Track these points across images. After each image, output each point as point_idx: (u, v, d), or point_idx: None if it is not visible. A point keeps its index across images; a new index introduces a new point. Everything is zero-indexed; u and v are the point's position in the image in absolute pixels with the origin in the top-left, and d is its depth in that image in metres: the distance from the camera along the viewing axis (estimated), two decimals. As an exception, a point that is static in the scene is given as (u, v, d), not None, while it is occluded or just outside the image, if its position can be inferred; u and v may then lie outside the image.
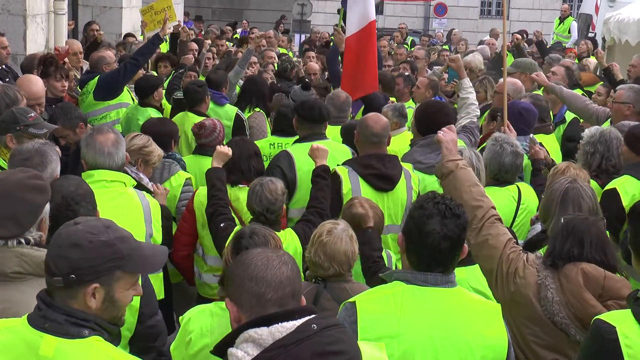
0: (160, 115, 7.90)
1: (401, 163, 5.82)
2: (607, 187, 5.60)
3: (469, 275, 4.19)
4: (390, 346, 2.63)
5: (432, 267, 3.27)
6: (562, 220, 3.97)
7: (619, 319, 3.28)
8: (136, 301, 3.80)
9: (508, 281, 3.80)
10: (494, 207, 3.97)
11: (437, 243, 3.22)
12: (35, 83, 6.69)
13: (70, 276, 2.66)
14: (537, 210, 5.78)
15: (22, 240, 3.27)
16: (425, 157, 6.02)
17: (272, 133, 7.49)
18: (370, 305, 3.26)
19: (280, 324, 2.45)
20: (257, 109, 8.52)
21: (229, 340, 2.52)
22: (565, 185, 4.47)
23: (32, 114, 5.39)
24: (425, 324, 3.22)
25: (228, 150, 5.62)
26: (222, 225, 5.15)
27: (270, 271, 2.54)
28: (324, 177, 5.52)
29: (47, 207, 3.43)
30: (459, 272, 4.05)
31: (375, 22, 8.38)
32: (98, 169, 4.83)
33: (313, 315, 2.51)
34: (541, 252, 4.05)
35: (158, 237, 4.91)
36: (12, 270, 3.23)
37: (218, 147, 5.70)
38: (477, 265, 4.09)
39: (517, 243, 4.05)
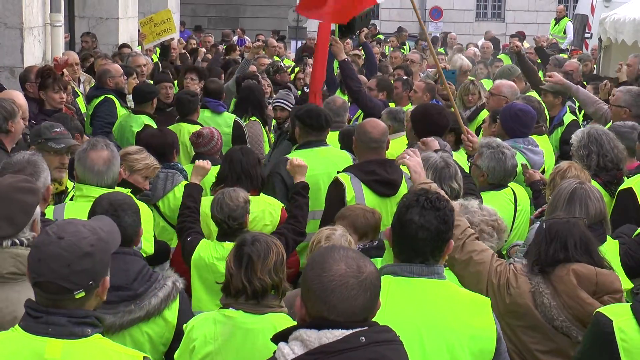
0: (153, 123, 7.91)
1: (401, 167, 5.83)
2: (622, 186, 5.60)
3: None
4: None
5: (412, 257, 3.31)
6: (543, 225, 3.99)
7: (617, 313, 3.36)
8: (174, 318, 3.90)
9: (501, 293, 3.79)
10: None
11: (414, 233, 3.26)
12: (17, 97, 6.66)
13: (90, 283, 2.74)
14: (533, 210, 5.83)
15: (17, 241, 3.35)
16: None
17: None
18: None
19: (330, 330, 2.46)
20: (253, 118, 8.49)
21: (285, 334, 2.56)
22: (573, 185, 4.51)
23: (58, 129, 5.51)
24: (411, 314, 3.24)
25: (207, 164, 5.67)
26: (188, 239, 5.17)
27: (345, 302, 2.50)
28: (304, 195, 5.57)
29: (39, 209, 3.53)
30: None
31: (327, 26, 8.32)
32: (87, 184, 4.88)
33: (366, 327, 2.49)
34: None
35: (148, 247, 4.93)
36: (7, 271, 3.31)
37: (197, 161, 5.76)
38: None
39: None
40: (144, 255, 4.78)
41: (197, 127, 7.39)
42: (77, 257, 2.71)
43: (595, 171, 5.77)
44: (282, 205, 5.76)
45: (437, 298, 3.31)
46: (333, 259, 2.57)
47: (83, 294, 2.72)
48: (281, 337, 2.58)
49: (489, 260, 3.85)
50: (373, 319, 2.62)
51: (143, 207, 5.00)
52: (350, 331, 2.47)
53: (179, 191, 6.00)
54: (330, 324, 2.49)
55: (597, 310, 3.42)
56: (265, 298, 3.76)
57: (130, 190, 5.05)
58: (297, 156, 6.24)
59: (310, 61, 12.79)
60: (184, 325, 3.85)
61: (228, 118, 8.32)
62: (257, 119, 8.54)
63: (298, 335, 2.51)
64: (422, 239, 3.27)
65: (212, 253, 4.99)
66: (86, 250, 2.72)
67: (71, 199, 5.23)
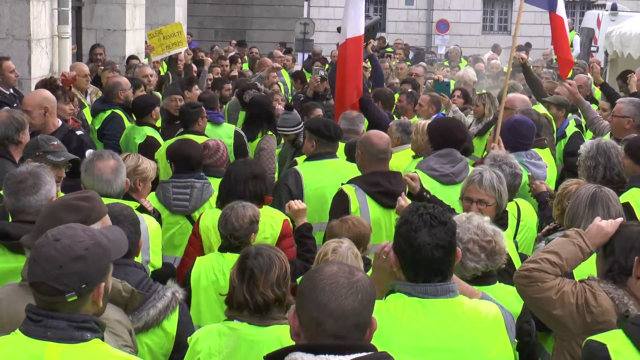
0: (157, 134, 7.95)
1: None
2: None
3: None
4: None
5: (431, 278, 3.25)
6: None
7: (609, 337, 3.35)
8: (173, 329, 3.88)
9: (580, 313, 3.74)
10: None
11: (430, 254, 3.21)
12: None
13: (82, 287, 2.73)
14: (538, 229, 5.80)
15: None
16: (440, 166, 6.01)
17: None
18: None
19: (327, 355, 2.43)
20: (270, 133, 8.45)
21: (280, 355, 2.51)
22: (592, 190, 4.55)
23: (55, 142, 5.46)
24: (425, 338, 3.22)
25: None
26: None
27: (335, 301, 2.48)
28: (310, 237, 5.46)
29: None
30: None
31: (360, 38, 8.56)
32: None
33: (365, 354, 2.46)
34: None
35: (156, 261, 4.92)
36: None
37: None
38: (497, 285, 4.06)
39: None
40: (152, 268, 4.81)
41: (200, 139, 7.40)
42: (69, 259, 2.71)
43: (601, 183, 5.76)
44: (286, 217, 5.67)
45: (452, 320, 3.26)
46: (327, 264, 2.62)
47: (75, 297, 2.71)
48: (275, 357, 2.53)
49: (556, 286, 3.76)
50: (381, 343, 2.58)
51: (152, 221, 5.03)
52: (349, 357, 2.42)
53: (213, 202, 5.92)
54: (326, 348, 2.44)
55: (587, 338, 3.40)
56: (269, 311, 3.75)
57: (137, 205, 5.05)
58: (305, 167, 6.27)
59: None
60: (189, 338, 3.86)
61: (228, 129, 8.35)
62: (272, 134, 8.49)
63: (294, 359, 2.46)
64: (439, 257, 3.22)
65: (213, 264, 4.89)
66: (79, 253, 2.73)
67: None
